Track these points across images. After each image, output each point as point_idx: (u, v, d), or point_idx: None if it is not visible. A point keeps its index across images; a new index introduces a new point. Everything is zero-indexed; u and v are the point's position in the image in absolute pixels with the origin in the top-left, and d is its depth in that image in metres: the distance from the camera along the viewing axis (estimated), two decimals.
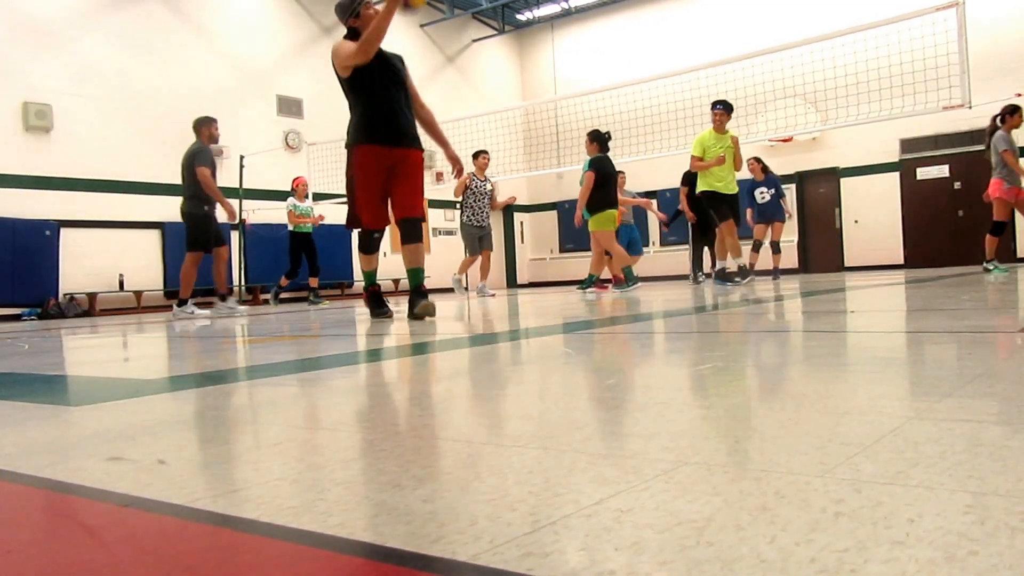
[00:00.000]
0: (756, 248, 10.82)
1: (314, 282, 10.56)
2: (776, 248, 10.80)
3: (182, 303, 7.75)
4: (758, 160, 10.80)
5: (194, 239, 7.76)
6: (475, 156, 9.49)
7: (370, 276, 5.06)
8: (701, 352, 2.31)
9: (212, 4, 12.78)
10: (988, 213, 8.15)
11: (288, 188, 13.35)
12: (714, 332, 3.06)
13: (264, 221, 12.78)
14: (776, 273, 10.72)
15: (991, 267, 8.03)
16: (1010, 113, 7.80)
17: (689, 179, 10.09)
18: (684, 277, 12.06)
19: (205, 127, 7.86)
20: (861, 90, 10.94)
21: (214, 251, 7.89)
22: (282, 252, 13.20)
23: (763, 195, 10.69)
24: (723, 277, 8.37)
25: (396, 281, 15.23)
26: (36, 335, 5.54)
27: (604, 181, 8.10)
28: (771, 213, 10.68)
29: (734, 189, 8.46)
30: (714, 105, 8.33)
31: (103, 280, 11.09)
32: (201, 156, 7.66)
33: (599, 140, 8.22)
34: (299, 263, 10.49)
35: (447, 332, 3.74)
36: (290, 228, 10.63)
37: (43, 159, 10.57)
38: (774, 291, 6.41)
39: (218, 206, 7.80)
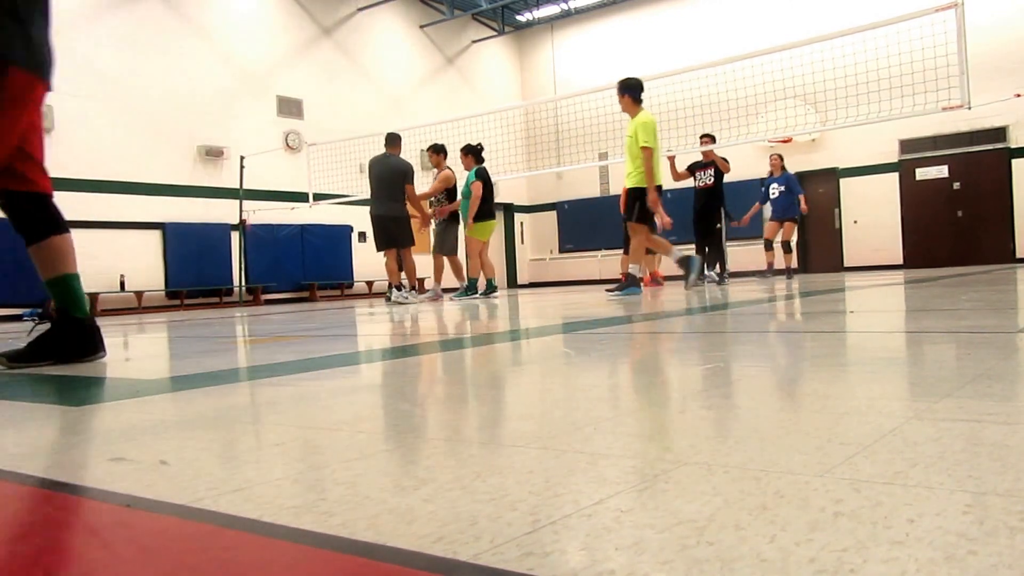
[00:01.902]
0: (768, 247, 10.82)
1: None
2: (787, 247, 10.69)
3: (398, 288, 8.65)
4: (780, 156, 10.87)
5: (406, 236, 8.62)
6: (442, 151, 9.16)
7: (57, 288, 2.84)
8: (701, 352, 2.31)
9: (212, 5, 12.78)
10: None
11: (287, 189, 13.42)
12: (714, 332, 3.06)
13: (264, 222, 12.78)
14: (789, 272, 10.70)
15: None
16: None
17: (692, 170, 10.02)
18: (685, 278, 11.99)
19: (401, 142, 8.70)
20: (860, 91, 10.93)
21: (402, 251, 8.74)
22: (282, 253, 13.23)
23: (775, 191, 10.63)
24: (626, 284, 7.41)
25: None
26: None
27: (487, 192, 8.69)
28: (782, 210, 10.61)
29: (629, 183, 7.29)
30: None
31: (104, 280, 11.08)
32: (412, 174, 8.55)
33: (474, 153, 8.82)
34: None
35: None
36: None
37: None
38: (782, 290, 6.41)
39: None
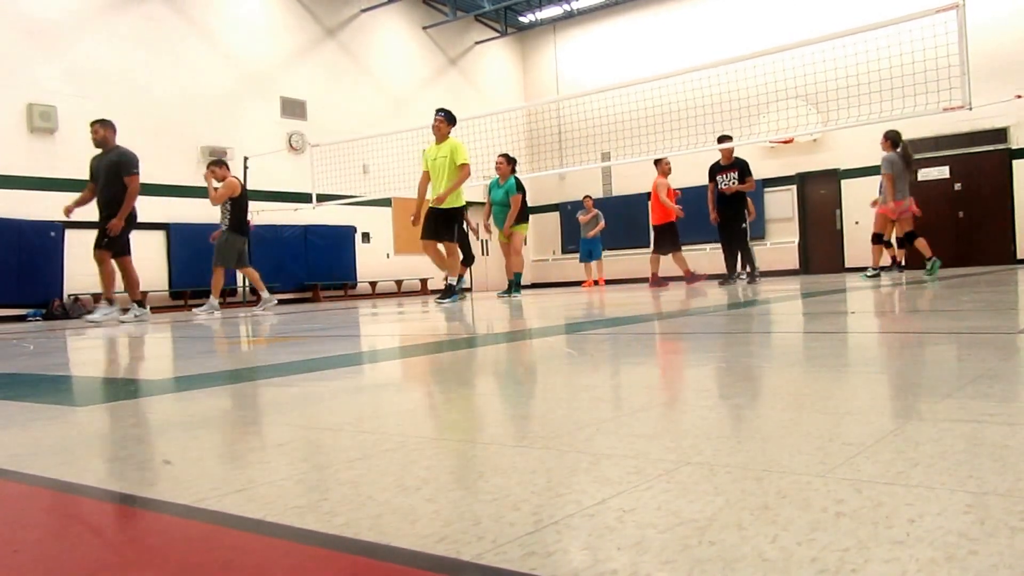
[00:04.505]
0: (900, 244, 10.01)
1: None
2: (897, 242, 10.06)
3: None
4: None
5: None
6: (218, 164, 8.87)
7: None
8: (702, 353, 2.31)
9: (216, 6, 12.80)
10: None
11: (291, 190, 13.43)
12: (715, 333, 3.06)
13: (268, 222, 12.79)
14: (897, 265, 10.56)
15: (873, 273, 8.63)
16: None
17: (712, 175, 9.70)
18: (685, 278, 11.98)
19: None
20: (862, 91, 10.93)
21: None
22: (286, 253, 13.24)
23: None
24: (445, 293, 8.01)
25: (399, 282, 15.24)
26: (41, 336, 5.55)
27: (526, 198, 9.55)
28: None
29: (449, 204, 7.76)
30: (437, 111, 7.92)
31: None
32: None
33: (514, 162, 9.49)
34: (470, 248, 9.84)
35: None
36: None
37: (48, 160, 10.59)
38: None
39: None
